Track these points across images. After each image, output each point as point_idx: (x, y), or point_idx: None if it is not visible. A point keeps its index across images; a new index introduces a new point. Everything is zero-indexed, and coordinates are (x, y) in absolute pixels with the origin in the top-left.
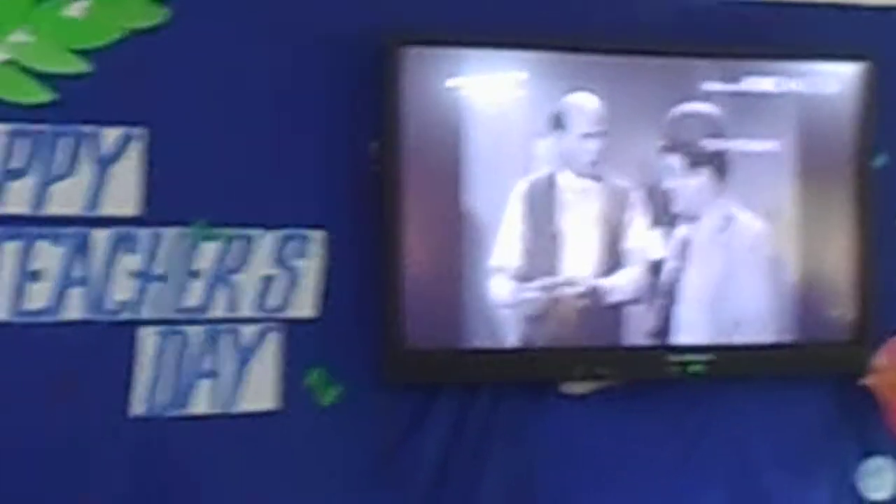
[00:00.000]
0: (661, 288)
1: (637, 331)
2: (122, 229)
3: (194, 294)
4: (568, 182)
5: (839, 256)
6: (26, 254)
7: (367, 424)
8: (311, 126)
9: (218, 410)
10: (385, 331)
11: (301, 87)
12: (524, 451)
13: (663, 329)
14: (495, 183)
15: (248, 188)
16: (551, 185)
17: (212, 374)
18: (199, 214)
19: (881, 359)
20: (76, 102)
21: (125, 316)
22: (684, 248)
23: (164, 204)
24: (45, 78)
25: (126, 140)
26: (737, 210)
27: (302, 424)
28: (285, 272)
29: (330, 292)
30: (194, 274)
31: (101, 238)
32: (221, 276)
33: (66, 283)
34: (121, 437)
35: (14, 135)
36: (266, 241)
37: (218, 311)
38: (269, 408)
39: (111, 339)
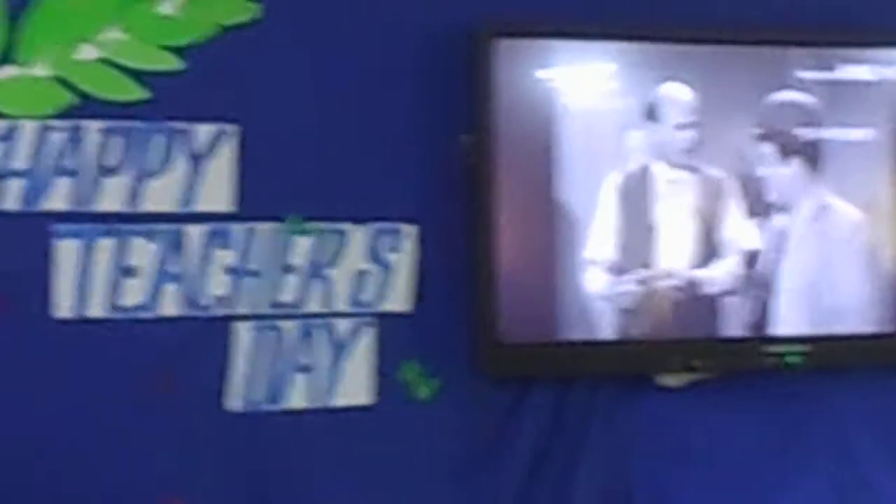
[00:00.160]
0: (757, 279)
1: (733, 322)
2: (217, 225)
3: (288, 289)
4: (662, 173)
5: None
6: (121, 250)
7: (462, 418)
8: (402, 120)
9: (313, 405)
10: (480, 324)
11: (392, 81)
12: (620, 444)
13: (760, 320)
14: (588, 175)
15: (340, 182)
16: (645, 176)
17: (307, 369)
18: (292, 209)
19: None
20: (169, 99)
21: (220, 311)
22: (780, 239)
23: (257, 199)
24: (138, 75)
25: (219, 136)
26: (832, 199)
27: (397, 418)
28: (379, 266)
29: (424, 286)
30: (288, 269)
31: (195, 234)
32: (315, 271)
33: (161, 279)
34: (217, 432)
35: (108, 132)
36: (359, 236)
37: (312, 306)
38: (364, 402)
39: (206, 335)
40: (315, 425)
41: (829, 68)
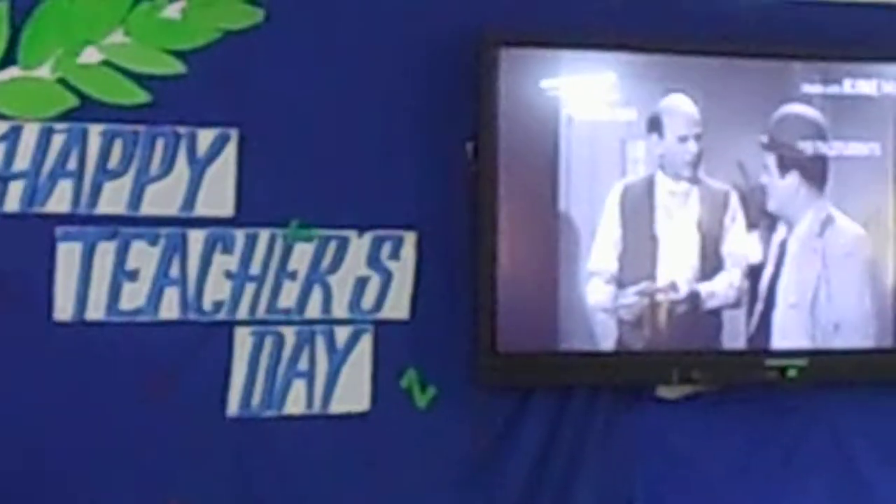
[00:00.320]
0: (758, 292)
1: (734, 335)
2: (218, 230)
3: (289, 295)
4: (665, 185)
5: None
6: (123, 254)
7: (460, 427)
8: (405, 127)
9: (312, 411)
10: (479, 333)
11: (396, 88)
12: (619, 455)
13: (760, 333)
14: (591, 185)
15: (342, 189)
16: (649, 187)
17: (306, 375)
18: (293, 215)
19: None
20: (171, 103)
21: (221, 316)
22: (782, 252)
23: (258, 205)
24: (140, 79)
25: (221, 141)
26: (835, 213)
27: (395, 426)
28: (379, 273)
29: (423, 294)
30: (289, 275)
31: (196, 238)
32: (316, 277)
33: (162, 283)
34: (215, 436)
35: (110, 135)
36: (360, 243)
37: (312, 312)
38: (362, 409)
39: (206, 339)
40: (313, 431)
41: (835, 83)
